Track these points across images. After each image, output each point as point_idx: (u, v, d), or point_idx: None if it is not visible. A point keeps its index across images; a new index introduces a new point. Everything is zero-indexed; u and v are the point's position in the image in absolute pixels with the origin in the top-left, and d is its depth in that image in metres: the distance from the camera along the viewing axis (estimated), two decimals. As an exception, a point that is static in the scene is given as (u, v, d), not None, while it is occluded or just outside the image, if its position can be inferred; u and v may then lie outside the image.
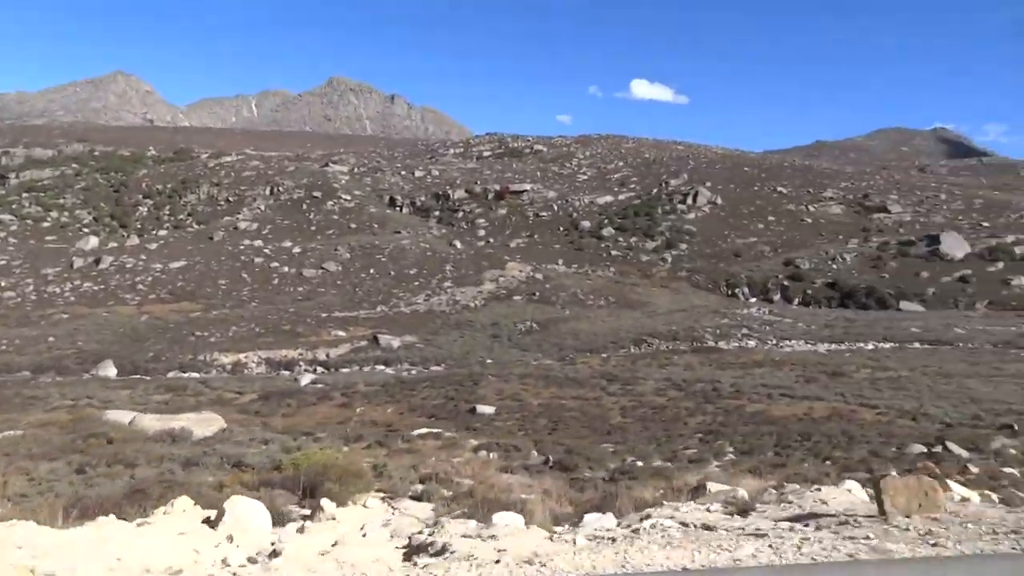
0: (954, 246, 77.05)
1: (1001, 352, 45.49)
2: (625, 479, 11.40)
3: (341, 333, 58.95)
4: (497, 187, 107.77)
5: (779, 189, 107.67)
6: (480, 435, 20.56)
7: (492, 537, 5.52)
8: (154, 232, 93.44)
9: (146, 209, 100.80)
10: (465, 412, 26.74)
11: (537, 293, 71.44)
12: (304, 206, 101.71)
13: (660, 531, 5.53)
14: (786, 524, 5.68)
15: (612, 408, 26.15)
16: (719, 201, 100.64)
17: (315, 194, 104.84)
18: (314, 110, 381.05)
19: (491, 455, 15.64)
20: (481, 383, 31.67)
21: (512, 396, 28.85)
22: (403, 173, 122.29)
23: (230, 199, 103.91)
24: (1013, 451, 15.21)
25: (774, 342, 53.68)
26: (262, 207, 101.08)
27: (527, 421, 24.46)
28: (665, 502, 7.10)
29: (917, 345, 51.64)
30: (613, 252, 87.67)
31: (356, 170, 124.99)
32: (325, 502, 7.54)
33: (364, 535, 6.33)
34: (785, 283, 76.15)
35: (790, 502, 6.83)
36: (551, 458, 14.58)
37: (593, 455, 15.51)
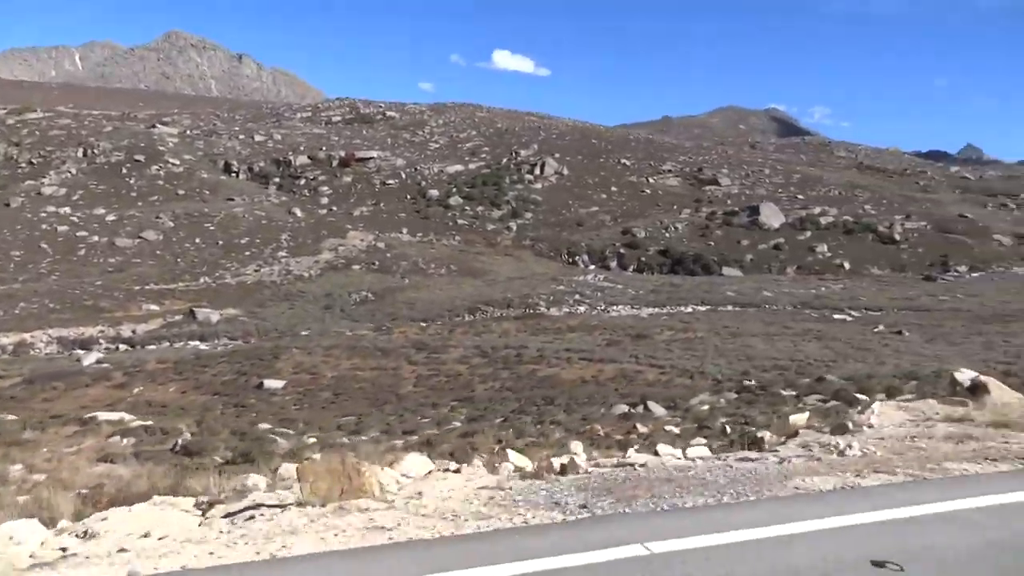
0: (771, 216, 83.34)
1: (796, 312, 49.59)
2: (242, 462, 10.57)
3: (154, 307, 54.24)
4: (343, 153, 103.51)
5: (623, 161, 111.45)
6: (250, 411, 19.01)
7: None
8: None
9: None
10: (252, 388, 24.95)
11: (377, 262, 69.49)
12: (124, 170, 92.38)
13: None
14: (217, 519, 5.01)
15: (407, 378, 25.46)
16: (565, 172, 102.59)
17: (137, 157, 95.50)
18: (150, 66, 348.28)
19: (124, 440, 14.28)
20: (283, 356, 29.85)
21: (309, 369, 27.36)
22: (242, 137, 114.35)
23: (33, 161, 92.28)
24: (706, 407, 16.07)
25: (603, 307, 55.38)
26: (72, 171, 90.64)
27: (309, 395, 23.18)
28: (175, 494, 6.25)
29: (730, 308, 55.18)
30: (459, 221, 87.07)
31: (189, 132, 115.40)
32: None
33: None
34: (622, 251, 79.09)
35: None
36: (179, 442, 13.50)
37: (264, 436, 14.52)
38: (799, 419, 8.01)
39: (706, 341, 30.63)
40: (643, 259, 77.59)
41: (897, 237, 78.37)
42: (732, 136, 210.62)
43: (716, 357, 27.07)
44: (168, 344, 46.41)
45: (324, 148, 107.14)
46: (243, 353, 31.65)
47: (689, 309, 54.60)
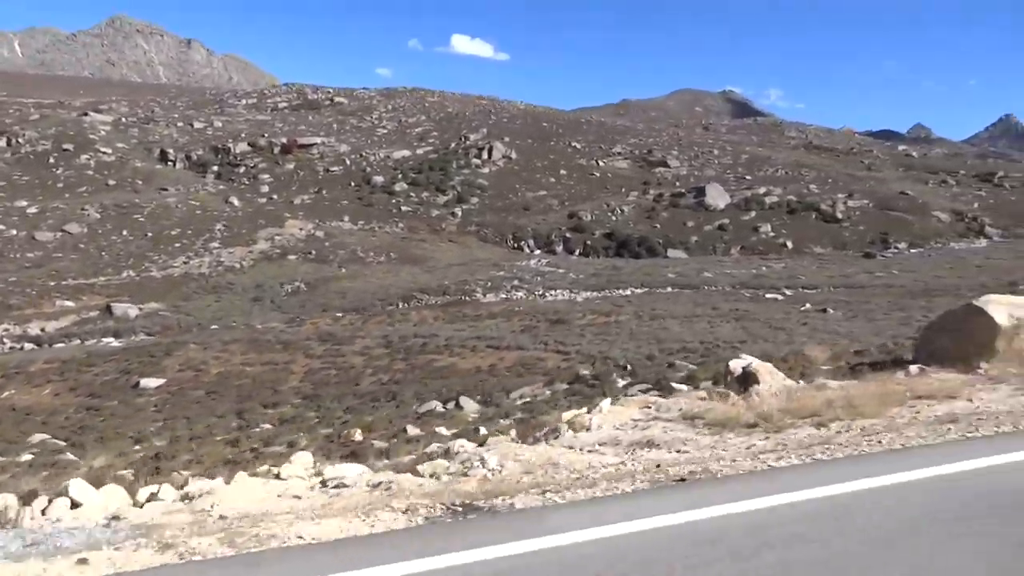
0: (716, 197, 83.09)
1: (731, 293, 49.12)
2: None
3: (69, 303, 51.66)
4: (285, 140, 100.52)
5: (573, 144, 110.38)
6: (101, 415, 17.48)
7: None
8: None
9: None
10: (129, 388, 23.33)
11: (314, 251, 67.44)
12: (50, 160, 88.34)
13: None
14: None
15: (296, 372, 24.08)
16: (514, 155, 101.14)
17: (66, 147, 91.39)
18: (94, 53, 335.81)
19: None
20: (175, 352, 28.14)
21: (196, 366, 25.77)
22: (180, 124, 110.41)
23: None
24: (525, 400, 15.05)
25: (541, 292, 54.33)
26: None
27: (179, 395, 21.68)
28: None
29: (669, 289, 54.54)
30: (404, 207, 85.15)
31: (124, 120, 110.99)
32: None
33: None
34: (568, 235, 78.12)
35: None
36: None
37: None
38: (569, 416, 6.94)
39: (622, 325, 29.76)
40: (588, 243, 76.75)
41: (839, 215, 78.78)
42: (687, 118, 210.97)
43: (627, 341, 26.17)
44: (80, 341, 44.11)
45: (266, 135, 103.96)
46: (135, 350, 29.81)
47: (628, 292, 53.76)
